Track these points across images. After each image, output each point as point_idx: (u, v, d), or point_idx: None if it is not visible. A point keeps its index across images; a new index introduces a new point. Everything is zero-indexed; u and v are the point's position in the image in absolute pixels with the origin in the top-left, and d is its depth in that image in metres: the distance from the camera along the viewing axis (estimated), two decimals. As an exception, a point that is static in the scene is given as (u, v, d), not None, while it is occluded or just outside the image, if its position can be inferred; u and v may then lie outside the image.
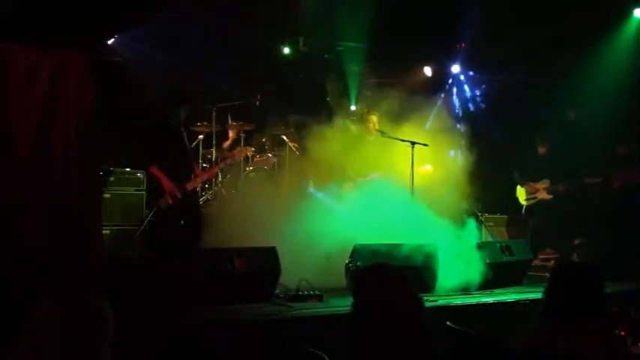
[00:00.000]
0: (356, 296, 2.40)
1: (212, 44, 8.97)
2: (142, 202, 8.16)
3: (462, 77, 10.63)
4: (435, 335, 2.48)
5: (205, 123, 8.67)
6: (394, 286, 2.37)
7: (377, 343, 2.28)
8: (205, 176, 7.64)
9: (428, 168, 7.55)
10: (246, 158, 8.66)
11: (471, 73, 10.57)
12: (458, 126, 9.13)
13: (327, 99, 8.00)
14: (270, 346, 4.26)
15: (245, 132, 8.98)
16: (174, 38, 8.87)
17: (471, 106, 10.58)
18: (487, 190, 8.41)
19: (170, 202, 6.47)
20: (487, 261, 6.20)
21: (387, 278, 2.42)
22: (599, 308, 2.77)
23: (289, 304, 5.28)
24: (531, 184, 8.57)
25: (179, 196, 6.52)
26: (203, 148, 8.59)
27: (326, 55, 9.76)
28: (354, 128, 7.78)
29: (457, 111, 10.55)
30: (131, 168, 8.31)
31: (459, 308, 5.38)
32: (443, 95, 10.51)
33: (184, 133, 6.91)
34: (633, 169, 8.04)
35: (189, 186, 6.76)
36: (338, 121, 7.61)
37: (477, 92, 10.62)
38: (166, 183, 6.48)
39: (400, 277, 2.42)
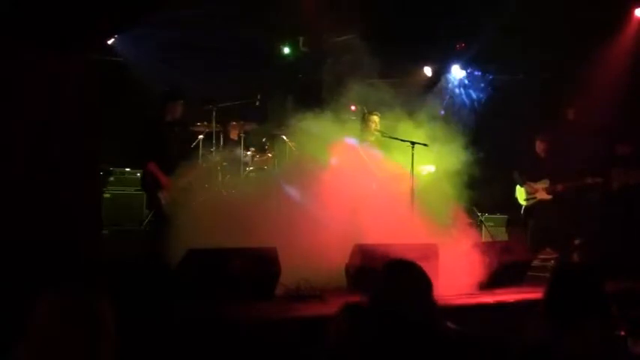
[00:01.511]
0: (380, 285, 2.42)
1: (212, 44, 8.98)
2: (142, 202, 8.16)
3: (461, 77, 10.63)
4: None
5: (205, 123, 8.66)
6: (414, 282, 2.40)
7: (391, 331, 2.29)
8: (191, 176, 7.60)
9: (430, 169, 7.54)
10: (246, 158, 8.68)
11: (471, 73, 10.57)
12: (458, 126, 9.12)
13: (327, 99, 7.98)
14: (269, 346, 4.26)
15: (245, 132, 8.98)
16: (174, 38, 8.88)
17: (471, 106, 10.58)
18: (487, 190, 8.42)
19: (169, 197, 6.54)
20: (487, 261, 6.20)
21: (411, 273, 2.44)
22: (599, 308, 2.76)
23: (289, 304, 5.28)
24: (531, 184, 8.56)
25: (175, 192, 6.59)
26: (203, 148, 8.58)
27: (326, 55, 9.76)
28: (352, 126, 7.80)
29: (457, 111, 10.55)
30: (128, 166, 8.32)
31: (459, 308, 5.37)
32: (444, 95, 10.52)
33: (177, 130, 6.95)
34: (633, 169, 8.05)
35: (182, 183, 6.82)
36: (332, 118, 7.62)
37: (477, 92, 10.62)
38: (165, 179, 6.54)
39: (421, 274, 2.44)
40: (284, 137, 8.83)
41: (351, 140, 7.34)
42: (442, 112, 10.29)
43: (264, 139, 8.92)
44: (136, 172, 8.37)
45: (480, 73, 10.58)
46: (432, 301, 2.40)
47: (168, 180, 6.58)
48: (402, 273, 2.46)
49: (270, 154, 8.90)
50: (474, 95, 10.67)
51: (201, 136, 8.57)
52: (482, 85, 10.61)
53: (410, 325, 2.31)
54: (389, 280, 2.44)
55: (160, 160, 6.59)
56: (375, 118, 7.64)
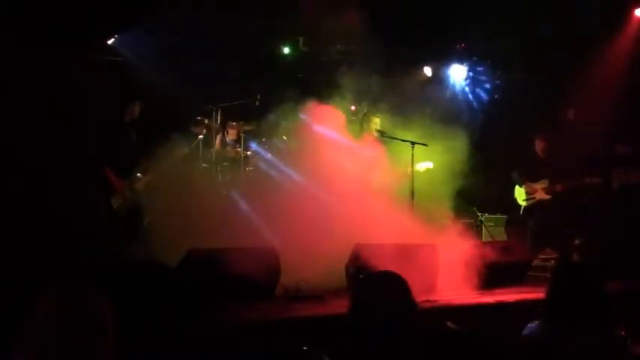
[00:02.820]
0: (354, 300, 2.47)
1: (212, 44, 8.98)
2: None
3: (461, 77, 10.62)
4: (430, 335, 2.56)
5: (206, 122, 8.65)
6: (389, 291, 2.45)
7: (372, 342, 2.35)
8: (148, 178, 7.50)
9: (428, 165, 7.54)
10: (246, 157, 8.67)
11: (471, 73, 10.57)
12: (457, 125, 9.11)
13: (327, 99, 7.98)
14: (270, 346, 4.26)
15: (245, 132, 8.97)
16: (174, 38, 8.87)
17: (471, 106, 10.58)
18: (486, 190, 8.41)
19: (122, 200, 6.62)
20: (487, 261, 6.20)
21: (384, 284, 2.52)
22: (599, 308, 2.77)
23: (289, 304, 5.28)
24: (530, 184, 8.55)
25: (128, 195, 6.66)
26: (203, 148, 8.57)
27: (326, 55, 9.76)
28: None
29: (457, 110, 10.54)
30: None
31: (459, 308, 5.38)
32: (443, 95, 10.52)
33: (133, 131, 6.96)
34: (633, 169, 8.05)
35: (139, 185, 6.85)
36: None
37: (477, 92, 10.62)
38: (119, 184, 6.61)
39: (396, 281, 2.50)
40: (284, 137, 8.82)
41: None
42: (442, 112, 10.30)
43: (264, 139, 8.91)
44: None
45: (479, 73, 10.57)
46: (411, 306, 2.46)
47: (122, 184, 6.63)
48: (373, 286, 2.54)
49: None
50: (473, 95, 10.66)
51: (200, 136, 8.57)
52: (482, 84, 10.61)
53: (392, 332, 2.38)
54: (362, 294, 2.52)
55: (115, 160, 6.63)
56: (376, 119, 7.64)
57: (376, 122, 7.63)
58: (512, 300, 5.68)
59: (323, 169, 7.11)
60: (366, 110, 7.89)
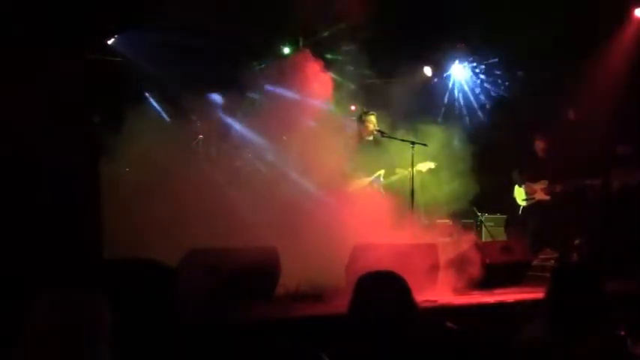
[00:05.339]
0: (354, 300, 2.49)
1: (212, 44, 8.99)
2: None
3: (461, 77, 10.63)
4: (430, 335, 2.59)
5: (205, 123, 8.66)
6: (389, 291, 2.47)
7: (372, 342, 2.36)
8: None
9: (430, 165, 7.53)
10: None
11: (471, 73, 10.58)
12: (457, 125, 9.11)
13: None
14: (270, 346, 4.26)
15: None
16: (174, 38, 8.88)
17: (471, 106, 10.58)
18: (487, 190, 8.41)
19: None
20: (487, 261, 6.20)
21: (384, 283, 2.55)
22: (599, 308, 2.77)
23: (289, 304, 5.28)
24: (530, 184, 8.55)
25: None
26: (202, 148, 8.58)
27: (326, 55, 9.75)
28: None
29: (457, 110, 10.55)
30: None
31: (459, 308, 5.38)
32: (443, 95, 10.54)
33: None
34: (633, 169, 8.04)
35: None
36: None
37: (477, 92, 10.63)
38: None
39: (396, 281, 2.50)
40: (284, 137, 8.81)
41: None
42: (442, 112, 10.31)
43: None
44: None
45: (479, 73, 10.58)
46: (411, 306, 2.49)
47: None
48: (373, 286, 2.56)
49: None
50: (473, 95, 10.67)
51: (201, 136, 8.57)
52: (482, 84, 10.61)
53: (392, 332, 2.41)
54: (362, 294, 2.54)
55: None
56: (372, 117, 7.64)
57: (373, 122, 7.62)
58: (512, 300, 5.68)
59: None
60: (365, 110, 7.89)
